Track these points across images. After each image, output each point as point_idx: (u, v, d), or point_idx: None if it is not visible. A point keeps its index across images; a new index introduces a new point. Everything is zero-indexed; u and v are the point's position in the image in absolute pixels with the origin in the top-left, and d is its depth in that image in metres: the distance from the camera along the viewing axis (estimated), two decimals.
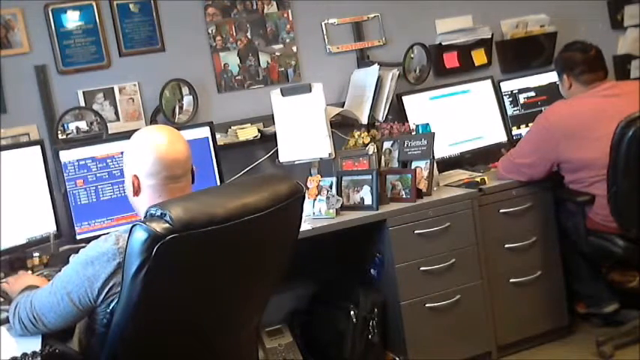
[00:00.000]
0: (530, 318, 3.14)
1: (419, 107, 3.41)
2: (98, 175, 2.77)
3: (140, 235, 1.50)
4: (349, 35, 3.50)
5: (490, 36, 3.68)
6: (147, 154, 1.79)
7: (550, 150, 2.96)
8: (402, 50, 3.43)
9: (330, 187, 2.92)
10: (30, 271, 2.43)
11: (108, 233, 1.72)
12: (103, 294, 1.66)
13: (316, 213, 2.89)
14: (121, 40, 3.09)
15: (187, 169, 1.84)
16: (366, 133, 3.18)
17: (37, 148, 2.67)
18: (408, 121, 3.27)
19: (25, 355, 1.71)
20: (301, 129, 3.06)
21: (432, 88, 3.51)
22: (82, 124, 3.01)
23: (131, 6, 3.10)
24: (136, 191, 1.81)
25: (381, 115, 3.33)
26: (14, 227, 2.55)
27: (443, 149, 3.33)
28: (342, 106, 3.37)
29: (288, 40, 3.38)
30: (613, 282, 3.15)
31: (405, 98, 3.41)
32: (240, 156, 3.21)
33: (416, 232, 2.89)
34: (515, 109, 3.66)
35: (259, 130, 3.19)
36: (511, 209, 3.07)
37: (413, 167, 3.02)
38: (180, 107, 3.16)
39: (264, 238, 1.75)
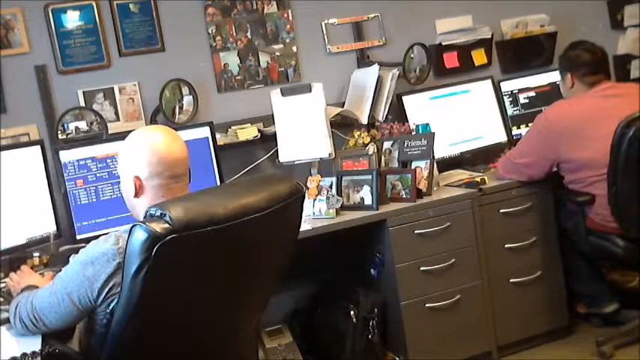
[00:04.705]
0: (530, 318, 3.14)
1: (419, 107, 3.41)
2: (98, 175, 2.77)
3: (140, 236, 1.50)
4: (349, 35, 3.50)
5: (490, 36, 3.68)
6: (148, 154, 1.78)
7: (550, 150, 2.96)
8: (402, 50, 3.42)
9: (330, 187, 2.92)
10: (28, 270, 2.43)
11: (108, 233, 1.72)
12: (103, 294, 1.66)
13: (316, 213, 2.89)
14: (121, 40, 3.09)
15: (187, 167, 1.85)
16: (366, 133, 3.18)
17: (37, 148, 2.67)
18: (408, 121, 3.27)
19: (24, 355, 1.71)
20: (301, 129, 3.06)
21: (432, 88, 3.51)
22: (82, 124, 3.01)
23: (131, 6, 3.10)
24: (138, 192, 1.81)
25: (381, 115, 3.33)
26: (14, 227, 2.55)
27: (443, 149, 3.33)
28: (342, 106, 3.37)
29: (288, 40, 3.38)
30: (613, 282, 3.15)
31: (405, 98, 3.41)
32: (240, 156, 3.21)
33: (416, 232, 2.89)
34: (515, 109, 3.66)
35: (259, 130, 3.19)
36: (511, 209, 3.07)
37: (413, 167, 3.02)
38: (180, 107, 3.16)
39: (264, 238, 1.75)
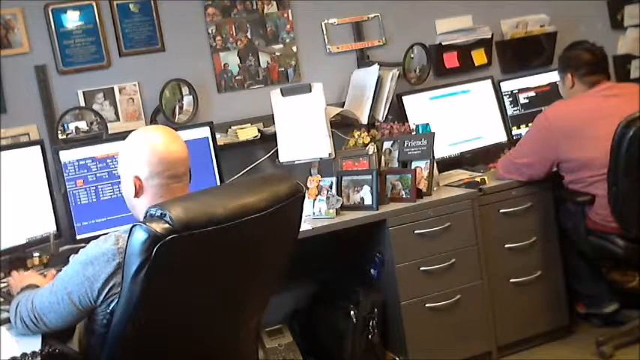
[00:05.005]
0: (530, 318, 3.14)
1: (419, 107, 3.41)
2: (98, 175, 2.77)
3: (140, 236, 1.50)
4: (349, 35, 3.49)
5: (490, 36, 3.68)
6: (148, 154, 1.78)
7: (550, 150, 2.96)
8: (402, 50, 3.43)
9: (330, 187, 2.92)
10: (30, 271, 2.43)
11: (108, 233, 1.72)
12: (103, 294, 1.66)
13: (316, 213, 2.89)
14: (121, 40, 3.09)
15: (188, 167, 1.85)
16: (366, 133, 3.18)
17: (37, 148, 2.67)
18: (408, 121, 3.27)
19: (24, 355, 1.71)
20: (301, 129, 3.06)
21: (432, 88, 3.51)
22: (82, 124, 3.01)
23: (131, 6, 3.10)
24: (138, 192, 1.80)
25: (381, 115, 3.33)
26: (14, 227, 2.55)
27: (443, 149, 3.33)
28: (342, 106, 3.37)
29: (288, 40, 3.38)
30: (613, 282, 3.15)
31: (405, 98, 3.41)
32: (240, 156, 3.21)
33: (416, 232, 2.89)
34: (515, 109, 3.66)
35: (259, 130, 3.19)
36: (511, 209, 3.07)
37: (413, 167, 3.02)
38: (180, 107, 3.16)
39: (264, 238, 1.75)
